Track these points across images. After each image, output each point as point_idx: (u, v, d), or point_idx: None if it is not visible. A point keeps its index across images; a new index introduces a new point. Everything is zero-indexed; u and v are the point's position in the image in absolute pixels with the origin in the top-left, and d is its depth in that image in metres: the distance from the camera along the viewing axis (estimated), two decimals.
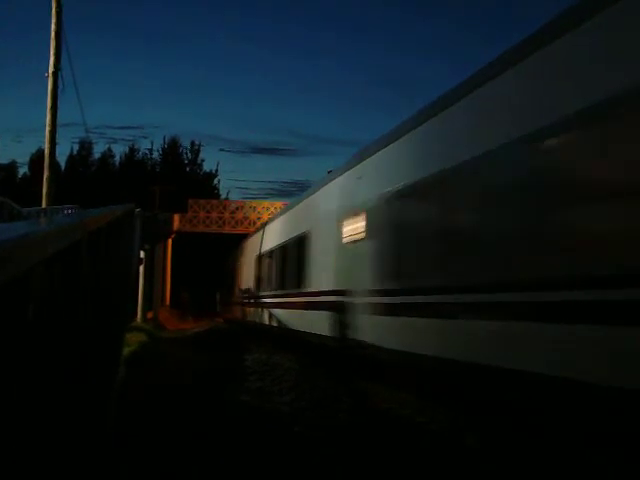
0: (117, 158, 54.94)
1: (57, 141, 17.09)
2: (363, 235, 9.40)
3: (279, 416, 6.67)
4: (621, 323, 4.42)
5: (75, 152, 53.58)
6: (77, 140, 57.36)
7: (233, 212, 36.70)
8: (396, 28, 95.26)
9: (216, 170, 55.23)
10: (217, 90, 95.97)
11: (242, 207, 37.22)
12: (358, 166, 10.14)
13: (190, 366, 10.49)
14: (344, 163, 11.35)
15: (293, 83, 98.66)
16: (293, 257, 14.51)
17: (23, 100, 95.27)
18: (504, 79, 6.22)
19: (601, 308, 4.60)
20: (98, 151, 55.78)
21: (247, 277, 22.81)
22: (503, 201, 5.98)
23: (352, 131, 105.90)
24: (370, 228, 9.17)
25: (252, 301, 20.85)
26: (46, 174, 16.71)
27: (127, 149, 56.47)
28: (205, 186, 50.71)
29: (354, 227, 9.80)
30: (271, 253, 17.78)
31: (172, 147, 54.75)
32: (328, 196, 11.97)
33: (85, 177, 49.93)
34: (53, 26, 16.72)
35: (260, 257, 19.77)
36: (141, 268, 25.30)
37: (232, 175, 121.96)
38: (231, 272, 29.32)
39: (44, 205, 16.52)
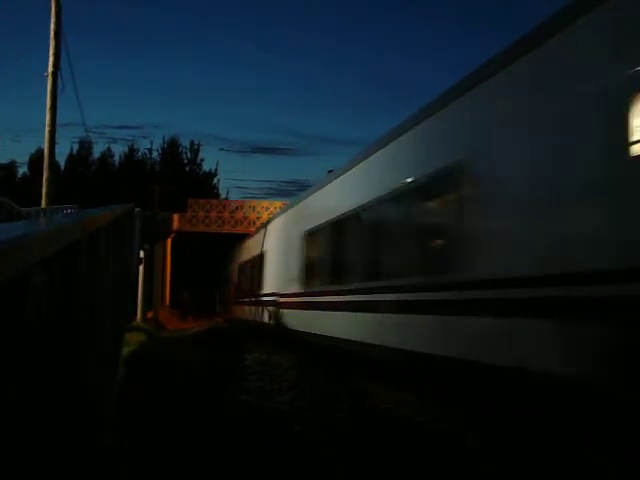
0: (117, 158, 54.97)
1: (57, 141, 17.12)
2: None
3: (279, 416, 6.67)
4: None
5: (75, 152, 53.60)
6: (77, 140, 57.37)
7: (233, 212, 36.71)
8: (396, 28, 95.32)
9: (216, 170, 55.27)
10: (217, 90, 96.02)
11: (242, 207, 37.23)
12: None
13: (190, 366, 10.49)
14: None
15: (293, 83, 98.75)
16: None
17: (23, 100, 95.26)
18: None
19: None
20: (98, 151, 55.75)
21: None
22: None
23: (352, 131, 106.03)
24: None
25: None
26: (45, 174, 16.71)
27: (127, 149, 56.52)
28: (205, 186, 50.70)
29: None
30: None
31: (172, 147, 54.73)
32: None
33: (85, 177, 49.91)
34: (52, 26, 16.72)
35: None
36: (141, 268, 25.28)
37: (232, 175, 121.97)
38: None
39: (43, 205, 16.51)
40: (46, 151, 17.04)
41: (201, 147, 55.70)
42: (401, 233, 7.95)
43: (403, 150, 8.29)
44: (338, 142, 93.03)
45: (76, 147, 53.70)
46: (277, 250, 16.54)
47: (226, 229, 36.49)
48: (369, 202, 8.98)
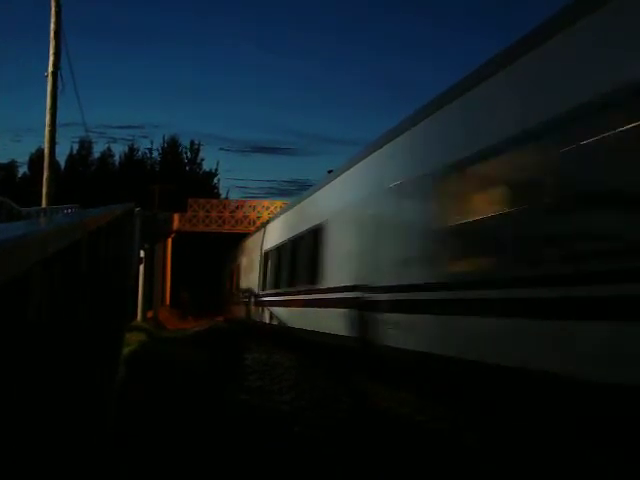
0: (117, 158, 54.94)
1: (57, 141, 17.13)
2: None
3: (279, 415, 6.67)
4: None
5: (75, 152, 53.54)
6: (77, 140, 57.35)
7: (233, 211, 36.73)
8: (396, 28, 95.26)
9: (216, 169, 55.24)
10: (217, 89, 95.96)
11: (242, 206, 37.25)
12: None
13: (190, 366, 10.49)
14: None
15: (293, 83, 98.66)
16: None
17: (23, 100, 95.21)
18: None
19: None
20: (98, 151, 55.64)
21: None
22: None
23: (352, 131, 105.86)
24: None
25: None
26: (46, 174, 16.71)
27: (127, 149, 56.47)
28: (205, 185, 50.69)
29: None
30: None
31: (172, 146, 54.69)
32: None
33: (85, 177, 49.89)
34: (52, 26, 16.72)
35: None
36: (141, 268, 25.30)
37: (232, 174, 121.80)
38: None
39: (44, 205, 16.52)
40: (46, 151, 17.04)
41: (201, 147, 55.68)
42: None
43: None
44: (338, 142, 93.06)
45: (76, 147, 53.70)
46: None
47: (226, 229, 36.50)
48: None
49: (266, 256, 18.07)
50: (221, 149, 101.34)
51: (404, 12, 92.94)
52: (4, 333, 1.46)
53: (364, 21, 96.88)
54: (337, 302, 10.17)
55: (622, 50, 4.54)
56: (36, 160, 42.36)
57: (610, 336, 4.42)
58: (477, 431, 5.89)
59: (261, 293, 18.28)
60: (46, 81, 16.57)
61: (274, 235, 17.54)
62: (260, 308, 18.27)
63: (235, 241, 30.26)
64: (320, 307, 11.31)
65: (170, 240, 37.94)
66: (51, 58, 16.60)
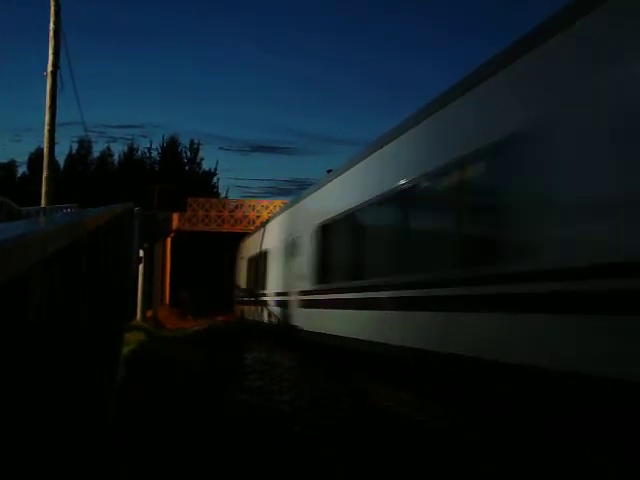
0: (116, 157, 54.90)
1: (56, 140, 17.13)
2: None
3: (279, 415, 6.67)
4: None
5: (74, 151, 53.51)
6: (76, 139, 57.35)
7: (232, 211, 36.75)
8: (396, 28, 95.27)
9: (215, 169, 55.22)
10: (217, 89, 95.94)
11: (241, 205, 37.27)
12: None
13: (190, 365, 10.49)
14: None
15: (293, 82, 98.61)
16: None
17: (22, 99, 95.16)
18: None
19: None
20: (97, 150, 55.65)
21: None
22: None
23: (351, 130, 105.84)
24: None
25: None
26: (45, 173, 16.70)
27: (126, 148, 56.41)
28: (204, 185, 50.66)
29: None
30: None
31: (171, 146, 54.66)
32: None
33: (84, 176, 49.87)
34: (52, 25, 16.70)
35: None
36: (140, 267, 25.29)
37: (231, 174, 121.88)
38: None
39: (43, 204, 16.51)
40: (45, 150, 17.03)
41: (201, 146, 55.67)
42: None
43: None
44: (338, 141, 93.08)
45: (76, 146, 53.67)
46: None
47: (226, 228, 36.51)
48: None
49: (326, 234, 11.92)
50: (221, 148, 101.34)
51: (404, 12, 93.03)
52: (4, 333, 1.46)
53: (364, 21, 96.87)
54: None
55: None
56: (35, 160, 42.35)
57: None
58: (476, 430, 5.89)
59: (317, 288, 12.22)
60: (45, 80, 16.56)
61: (343, 200, 10.98)
62: (313, 310, 12.32)
63: (235, 240, 30.19)
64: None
65: (169, 239, 37.93)
66: (50, 57, 16.59)
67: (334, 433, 5.84)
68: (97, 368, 4.06)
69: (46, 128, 16.65)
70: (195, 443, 5.16)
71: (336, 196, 11.56)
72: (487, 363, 5.71)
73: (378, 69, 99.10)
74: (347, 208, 10.41)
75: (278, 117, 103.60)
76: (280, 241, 16.51)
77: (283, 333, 14.76)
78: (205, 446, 5.13)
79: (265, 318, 18.32)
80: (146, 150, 55.82)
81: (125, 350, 10.43)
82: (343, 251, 10.79)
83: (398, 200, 8.25)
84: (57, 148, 17.66)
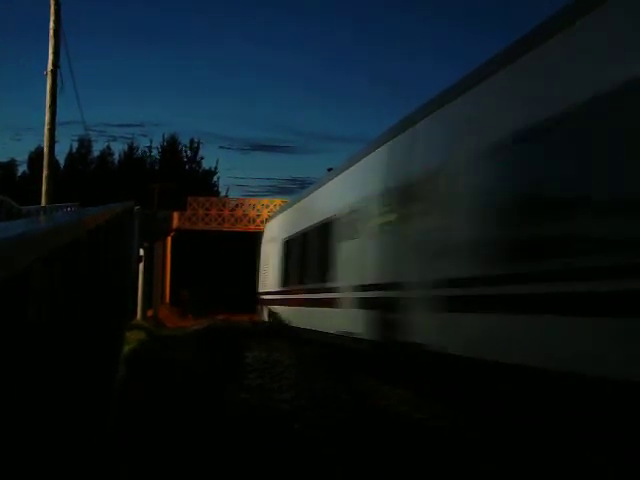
0: (116, 156, 54.86)
1: (56, 139, 17.14)
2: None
3: (279, 415, 6.67)
4: None
5: (74, 150, 53.45)
6: (76, 138, 57.21)
7: (232, 209, 36.77)
8: (396, 27, 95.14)
9: (215, 167, 55.19)
10: (217, 88, 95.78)
11: (241, 204, 37.30)
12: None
13: (190, 364, 10.49)
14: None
15: (292, 81, 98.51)
16: None
17: (22, 98, 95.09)
18: None
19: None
20: (97, 149, 55.54)
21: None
22: None
23: (351, 129, 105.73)
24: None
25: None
26: (45, 172, 16.71)
27: (126, 147, 56.36)
28: (204, 184, 50.65)
29: None
30: None
31: (171, 145, 54.62)
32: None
33: (84, 175, 49.85)
34: (52, 24, 16.70)
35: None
36: (141, 266, 25.30)
37: (231, 172, 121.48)
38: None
39: (43, 203, 16.52)
40: (46, 149, 17.04)
41: (201, 145, 55.63)
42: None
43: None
44: (338, 139, 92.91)
45: (76, 145, 53.57)
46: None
47: (226, 227, 36.54)
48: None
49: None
50: (221, 147, 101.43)
51: (404, 10, 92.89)
52: (4, 332, 1.46)
53: (364, 19, 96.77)
54: None
55: None
56: (36, 159, 42.31)
57: None
58: (476, 429, 5.89)
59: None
60: (45, 80, 16.57)
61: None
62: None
63: (235, 240, 30.06)
64: None
65: (170, 238, 37.93)
66: (50, 57, 16.59)
67: (334, 432, 5.85)
68: (97, 367, 4.07)
69: (46, 127, 16.65)
70: (195, 442, 5.16)
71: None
72: None
73: (378, 67, 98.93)
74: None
75: (278, 116, 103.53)
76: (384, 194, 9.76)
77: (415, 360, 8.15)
78: (205, 446, 5.13)
79: (345, 328, 11.10)
80: (146, 149, 55.82)
81: (125, 349, 10.43)
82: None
83: None
84: (57, 147, 17.70)
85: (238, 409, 6.81)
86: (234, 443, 5.21)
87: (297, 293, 15.18)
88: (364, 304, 10.19)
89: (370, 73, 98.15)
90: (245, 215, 36.40)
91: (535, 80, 6.19)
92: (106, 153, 54.84)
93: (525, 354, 5.79)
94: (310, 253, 14.08)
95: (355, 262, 10.95)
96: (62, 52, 16.86)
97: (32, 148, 54.05)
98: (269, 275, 19.05)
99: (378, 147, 10.52)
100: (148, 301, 29.72)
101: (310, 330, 13.41)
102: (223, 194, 51.68)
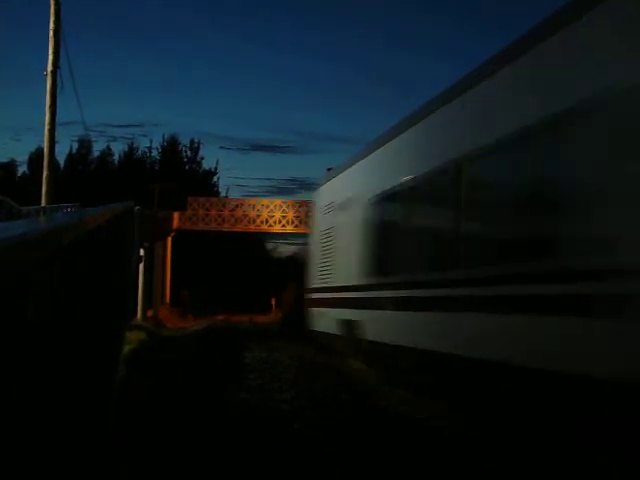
0: (116, 156, 54.86)
1: (56, 139, 17.17)
2: None
3: (279, 415, 6.68)
4: None
5: (74, 150, 53.47)
6: (76, 138, 57.28)
7: (233, 210, 36.79)
8: (396, 26, 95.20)
9: (215, 168, 55.19)
10: (217, 88, 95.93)
11: (241, 205, 37.32)
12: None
13: (190, 365, 10.49)
14: None
15: (292, 81, 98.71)
16: None
17: (22, 99, 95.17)
18: None
19: None
20: (97, 149, 55.54)
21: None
22: None
23: (351, 129, 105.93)
24: None
25: None
26: (45, 173, 16.71)
27: (126, 147, 56.37)
28: (205, 184, 50.66)
29: None
30: None
31: (171, 145, 54.64)
32: None
33: (84, 176, 49.85)
34: (51, 24, 16.72)
35: None
36: (141, 266, 25.28)
37: (232, 173, 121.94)
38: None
39: (43, 204, 16.52)
40: (46, 150, 17.05)
41: (201, 145, 55.69)
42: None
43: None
44: (338, 140, 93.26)
45: (76, 146, 53.62)
46: None
47: (226, 227, 36.58)
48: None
49: None
50: (221, 147, 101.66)
51: (404, 9, 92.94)
52: (4, 332, 1.46)
53: (364, 18, 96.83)
54: None
55: None
56: (36, 159, 42.32)
57: None
58: (477, 429, 5.89)
59: None
60: (45, 80, 16.57)
61: None
62: None
63: (235, 240, 30.09)
64: None
65: (170, 239, 37.93)
66: (50, 57, 16.61)
67: (334, 432, 5.85)
68: (97, 367, 4.07)
69: (46, 127, 16.66)
70: (195, 442, 5.17)
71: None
72: None
73: (378, 67, 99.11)
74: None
75: (278, 116, 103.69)
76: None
77: None
78: (205, 445, 5.14)
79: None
80: (146, 149, 55.84)
81: (126, 349, 10.44)
82: None
83: None
84: (57, 147, 17.72)
85: (238, 409, 6.81)
86: (234, 443, 5.22)
87: (411, 287, 8.50)
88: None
89: (371, 73, 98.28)
90: (245, 215, 36.41)
91: None
92: (106, 153, 54.90)
93: None
94: (443, 215, 7.83)
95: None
96: (62, 52, 16.88)
97: (32, 148, 54.11)
98: (336, 261, 12.16)
99: None
100: (148, 301, 29.71)
101: (442, 356, 7.18)
102: (223, 194, 51.75)
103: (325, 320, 12.78)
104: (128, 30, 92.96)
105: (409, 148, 9.15)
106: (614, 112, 4.84)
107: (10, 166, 52.55)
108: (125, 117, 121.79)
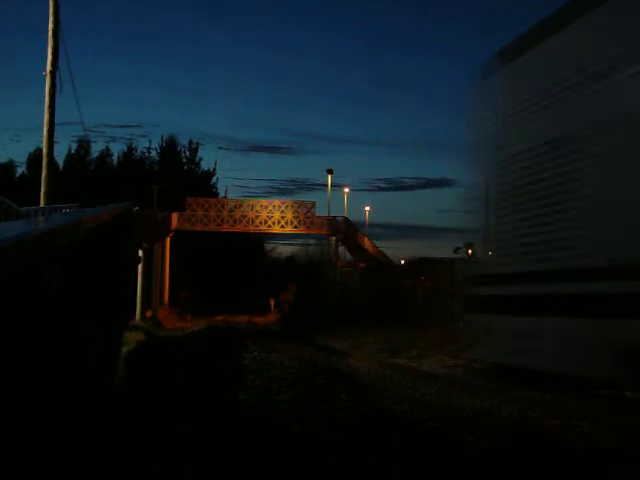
0: (115, 157, 54.81)
1: (55, 140, 17.10)
2: None
3: (279, 415, 6.67)
4: None
5: (73, 151, 53.42)
6: (75, 139, 57.20)
7: (231, 210, 36.80)
8: (396, 27, 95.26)
9: (214, 168, 55.15)
10: (216, 88, 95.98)
11: (240, 205, 37.33)
12: None
13: (189, 365, 10.48)
14: None
15: (291, 82, 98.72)
16: None
17: (21, 99, 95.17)
18: None
19: None
20: (96, 150, 55.47)
21: None
22: None
23: (350, 129, 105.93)
24: None
25: None
26: (44, 173, 16.67)
27: (125, 148, 56.33)
28: (203, 185, 50.62)
29: None
30: None
31: (170, 146, 54.61)
32: None
33: (83, 176, 49.78)
34: (50, 25, 16.67)
35: None
36: (140, 267, 25.27)
37: (230, 173, 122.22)
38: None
39: (42, 204, 16.49)
40: (45, 150, 17.01)
41: (200, 146, 55.66)
42: None
43: None
44: (337, 141, 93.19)
45: (75, 146, 53.57)
46: None
47: (224, 228, 36.59)
48: None
49: None
50: (220, 148, 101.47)
51: (404, 10, 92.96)
52: (3, 333, 1.46)
53: (363, 19, 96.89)
54: None
55: None
56: (35, 160, 42.28)
57: None
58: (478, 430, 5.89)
59: None
60: (44, 80, 16.54)
61: None
62: None
63: (235, 240, 30.03)
64: None
65: (169, 239, 37.91)
66: (49, 57, 16.56)
67: (334, 432, 5.84)
68: (97, 367, 4.06)
69: (45, 128, 16.63)
70: (195, 442, 5.16)
71: None
72: None
73: (378, 68, 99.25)
74: None
75: (277, 117, 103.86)
76: None
77: None
78: (205, 445, 5.13)
79: None
80: (145, 150, 55.79)
81: (124, 349, 10.42)
82: None
83: None
84: (56, 148, 17.70)
85: (238, 409, 6.81)
86: (234, 443, 5.21)
87: None
88: None
89: (370, 74, 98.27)
90: (244, 216, 36.42)
91: None
92: (105, 154, 54.84)
93: None
94: None
95: None
96: (61, 53, 16.85)
97: (31, 149, 54.13)
98: (589, 213, 7.54)
99: None
100: (147, 302, 29.70)
101: None
102: (222, 195, 51.72)
103: (544, 342, 7.57)
104: (127, 30, 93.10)
105: None
106: None
107: (9, 167, 52.52)
108: (124, 117, 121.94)
